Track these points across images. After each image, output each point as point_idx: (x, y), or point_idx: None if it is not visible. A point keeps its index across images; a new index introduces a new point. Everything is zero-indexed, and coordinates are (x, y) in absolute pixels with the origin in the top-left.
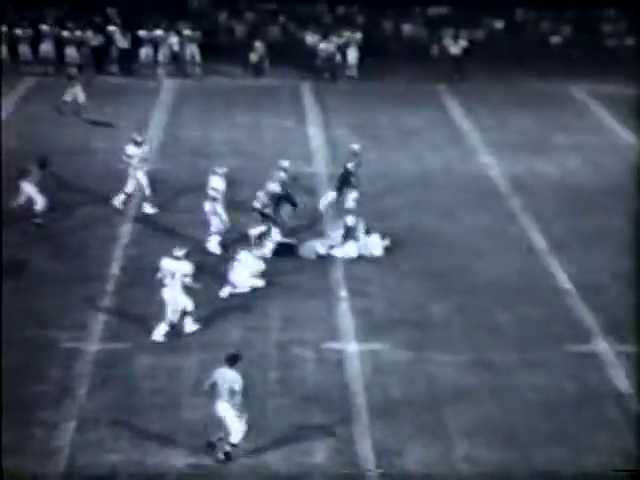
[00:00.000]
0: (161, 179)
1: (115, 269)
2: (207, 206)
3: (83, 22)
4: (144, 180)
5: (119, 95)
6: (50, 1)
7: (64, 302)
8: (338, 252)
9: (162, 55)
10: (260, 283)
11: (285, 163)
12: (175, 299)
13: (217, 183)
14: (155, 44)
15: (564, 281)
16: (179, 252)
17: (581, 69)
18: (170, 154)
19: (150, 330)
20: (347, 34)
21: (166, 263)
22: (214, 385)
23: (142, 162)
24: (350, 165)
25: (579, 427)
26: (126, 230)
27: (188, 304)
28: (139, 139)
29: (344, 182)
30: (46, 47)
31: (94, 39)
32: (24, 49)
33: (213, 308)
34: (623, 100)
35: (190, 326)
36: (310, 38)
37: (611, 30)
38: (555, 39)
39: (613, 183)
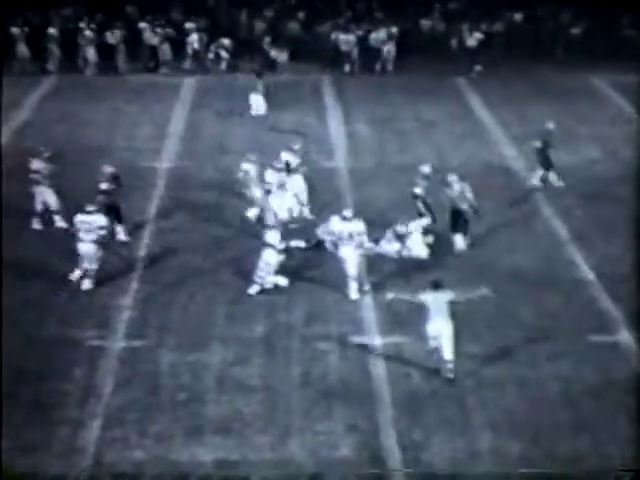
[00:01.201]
0: (183, 175)
1: (138, 267)
2: (260, 199)
3: (101, 21)
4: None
5: (142, 92)
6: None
7: (88, 300)
8: (381, 247)
9: (187, 52)
10: (284, 282)
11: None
12: (353, 258)
13: (270, 176)
14: (175, 42)
15: (586, 271)
16: (348, 213)
17: (601, 60)
18: (191, 151)
19: (172, 328)
20: (385, 29)
21: (336, 225)
22: (426, 309)
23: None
24: (538, 143)
25: (603, 418)
26: (148, 229)
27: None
28: (295, 147)
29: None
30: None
31: (112, 38)
32: (53, 48)
33: (237, 304)
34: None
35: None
36: (333, 33)
37: (630, 20)
38: (575, 30)
39: (634, 173)
